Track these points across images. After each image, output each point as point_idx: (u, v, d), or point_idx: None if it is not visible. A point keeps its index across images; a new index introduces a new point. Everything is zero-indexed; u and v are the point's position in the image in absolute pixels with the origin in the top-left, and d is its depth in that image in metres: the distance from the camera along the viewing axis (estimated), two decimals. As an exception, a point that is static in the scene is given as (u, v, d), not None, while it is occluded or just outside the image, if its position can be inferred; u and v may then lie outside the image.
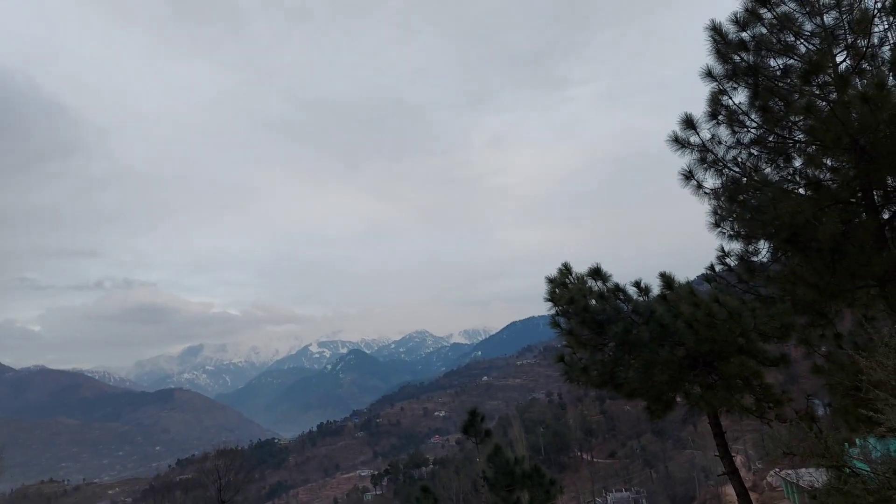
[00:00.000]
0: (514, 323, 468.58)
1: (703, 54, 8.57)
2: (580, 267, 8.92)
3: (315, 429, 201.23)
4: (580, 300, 8.52)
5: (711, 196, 8.84)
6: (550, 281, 8.94)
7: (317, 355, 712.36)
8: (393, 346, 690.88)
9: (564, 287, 8.87)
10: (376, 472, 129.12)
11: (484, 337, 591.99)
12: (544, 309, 8.98)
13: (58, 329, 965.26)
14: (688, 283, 8.61)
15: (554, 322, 8.91)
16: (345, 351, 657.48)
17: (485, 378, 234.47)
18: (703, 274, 9.73)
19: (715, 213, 8.90)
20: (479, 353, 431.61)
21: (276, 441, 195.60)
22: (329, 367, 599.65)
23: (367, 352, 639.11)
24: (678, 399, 9.21)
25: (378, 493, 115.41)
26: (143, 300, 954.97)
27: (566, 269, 8.92)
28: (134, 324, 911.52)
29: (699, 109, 8.77)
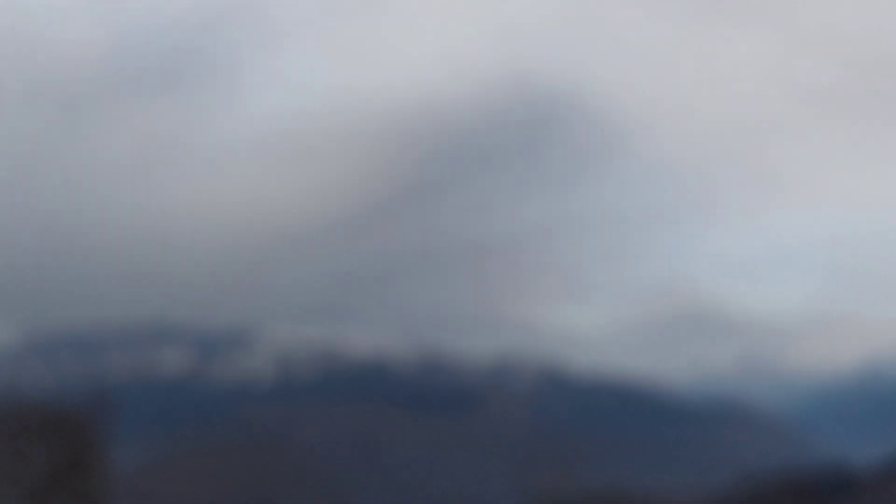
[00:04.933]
0: None
1: None
2: None
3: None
4: None
5: None
6: None
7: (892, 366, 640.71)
8: None
9: None
10: None
11: None
12: None
13: (615, 334, 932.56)
14: None
15: None
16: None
17: None
18: None
19: None
20: None
21: (846, 467, 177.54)
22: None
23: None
24: None
25: None
26: (699, 303, 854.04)
27: None
28: (681, 329, 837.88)
29: None
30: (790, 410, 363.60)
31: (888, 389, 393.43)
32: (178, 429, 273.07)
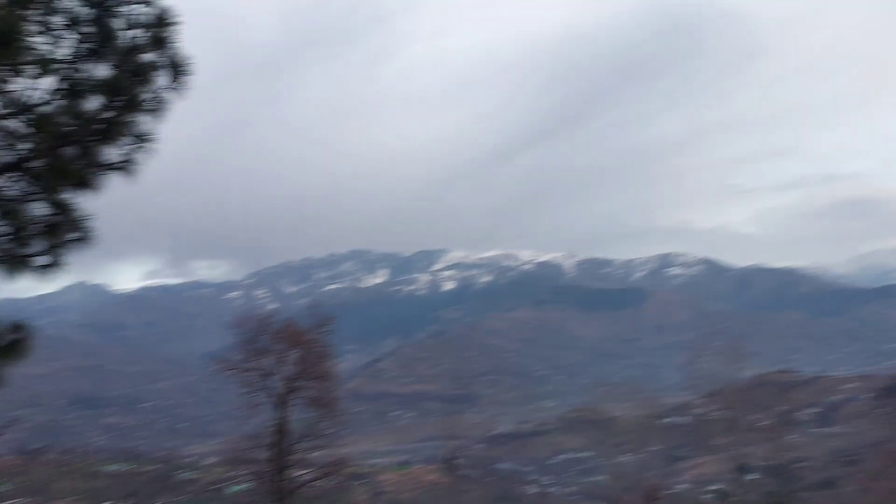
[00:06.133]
0: None
1: None
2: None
3: None
4: None
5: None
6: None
7: None
8: None
9: None
10: None
11: None
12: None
13: (767, 229, 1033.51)
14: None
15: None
16: None
17: None
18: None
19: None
20: None
21: None
22: None
23: None
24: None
25: None
26: (850, 193, 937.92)
27: None
28: (843, 219, 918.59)
29: None
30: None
31: None
32: (384, 337, 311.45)
